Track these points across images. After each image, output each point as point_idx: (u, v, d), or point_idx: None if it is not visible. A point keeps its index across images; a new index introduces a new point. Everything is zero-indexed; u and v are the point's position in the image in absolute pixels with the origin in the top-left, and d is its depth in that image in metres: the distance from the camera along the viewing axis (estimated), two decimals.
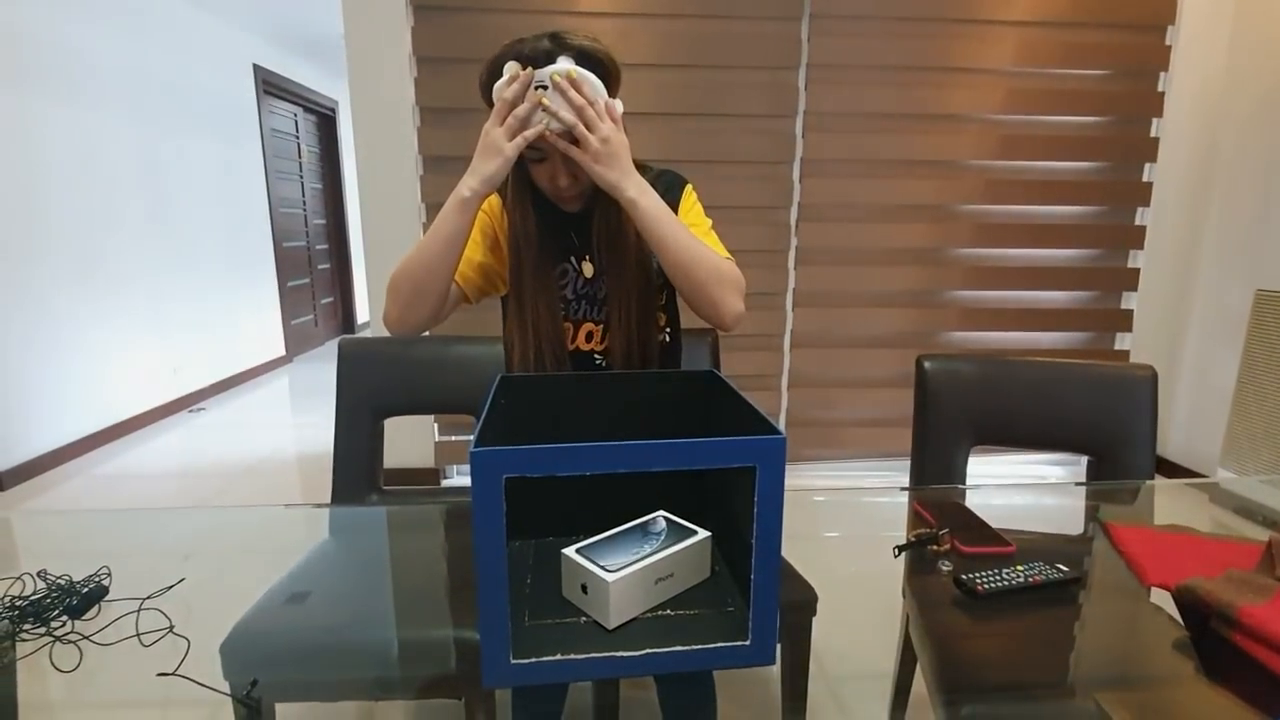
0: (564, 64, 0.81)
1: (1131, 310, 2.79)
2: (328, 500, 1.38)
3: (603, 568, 0.63)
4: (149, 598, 0.68)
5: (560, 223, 0.96)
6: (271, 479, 2.83)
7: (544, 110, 0.79)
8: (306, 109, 5.38)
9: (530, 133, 0.81)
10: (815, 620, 0.87)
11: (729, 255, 0.95)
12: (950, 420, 1.22)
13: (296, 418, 3.89)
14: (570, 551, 0.66)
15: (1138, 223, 2.74)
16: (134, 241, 3.36)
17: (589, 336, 0.99)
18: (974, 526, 0.84)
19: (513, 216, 0.94)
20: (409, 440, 2.61)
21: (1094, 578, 0.78)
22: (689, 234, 0.87)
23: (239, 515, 1.11)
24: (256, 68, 4.49)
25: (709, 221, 1.02)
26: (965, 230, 2.67)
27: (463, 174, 1.00)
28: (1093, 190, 2.68)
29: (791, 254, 2.62)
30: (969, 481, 1.22)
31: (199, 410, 3.75)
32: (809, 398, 2.75)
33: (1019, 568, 0.74)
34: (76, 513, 1.26)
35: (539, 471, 0.51)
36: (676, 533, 0.71)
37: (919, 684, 0.99)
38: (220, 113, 4.11)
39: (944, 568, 0.77)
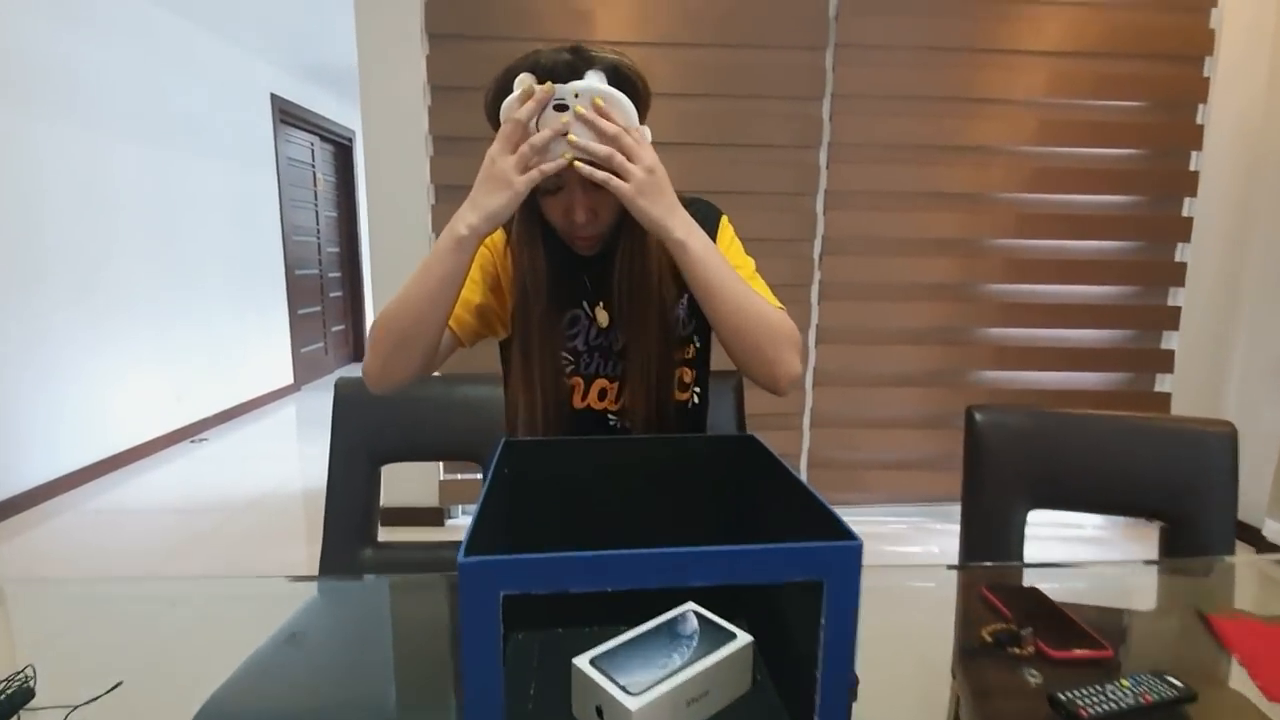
0: (593, 81, 0.68)
1: (1173, 351, 2.65)
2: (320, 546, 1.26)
3: (623, 688, 0.51)
4: (79, 706, 0.57)
5: (573, 262, 0.84)
6: (273, 515, 2.72)
7: (567, 140, 0.67)
8: (323, 138, 5.41)
9: (549, 166, 0.68)
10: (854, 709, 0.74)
11: (781, 305, 0.82)
12: (1005, 480, 1.10)
13: (302, 448, 3.79)
14: (582, 663, 0.54)
15: (1178, 259, 2.61)
16: (140, 266, 3.32)
17: (602, 394, 0.87)
18: (1059, 622, 0.71)
19: (519, 255, 0.81)
20: (411, 479, 2.50)
21: (1208, 693, 0.65)
22: (743, 283, 0.75)
23: (203, 588, 1.00)
24: (274, 97, 4.51)
25: (752, 262, 0.90)
26: (996, 265, 2.56)
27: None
28: (1130, 225, 2.57)
29: (815, 288, 2.52)
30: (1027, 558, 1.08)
31: (201, 440, 3.66)
32: (832, 438, 2.62)
33: (1124, 683, 0.61)
34: (17, 583, 1.15)
35: (547, 588, 0.40)
36: (711, 635, 0.59)
37: None
38: (236, 140, 4.11)
39: (1031, 679, 0.64)
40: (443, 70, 2.30)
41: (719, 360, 1.40)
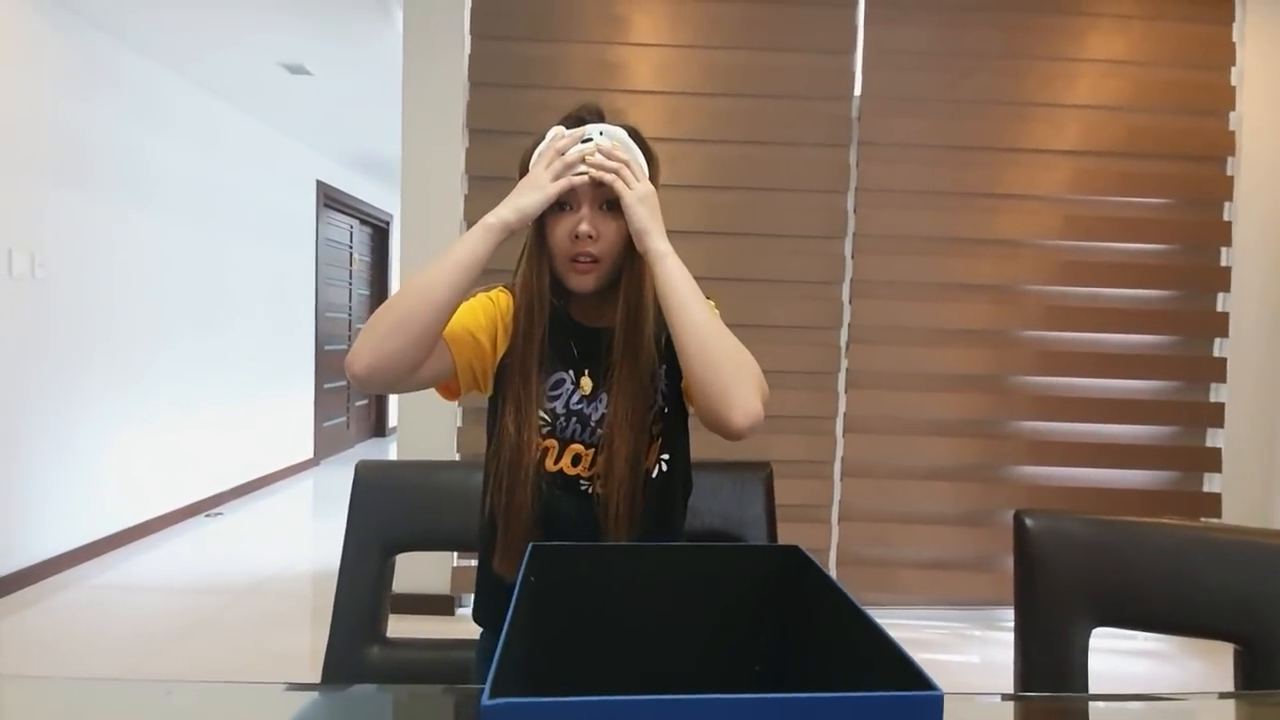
0: (613, 128, 0.83)
1: (1219, 449, 2.54)
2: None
3: None
4: None
5: (566, 328, 0.87)
6: (280, 598, 2.63)
7: (586, 164, 0.79)
8: (362, 221, 5.65)
9: (576, 178, 0.79)
10: None
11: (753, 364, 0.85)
12: (1064, 595, 1.01)
13: (316, 526, 3.73)
14: None
15: (1217, 354, 2.55)
16: (178, 340, 3.40)
17: (575, 460, 0.86)
18: None
19: (518, 315, 0.86)
20: (423, 565, 2.42)
21: None
22: (712, 313, 0.80)
23: (198, 693, 0.94)
24: (319, 183, 4.75)
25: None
26: (1028, 357, 2.51)
27: (499, 285, 0.94)
28: (1164, 319, 2.53)
29: (842, 376, 2.48)
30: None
31: (216, 515, 3.62)
32: (862, 533, 2.50)
33: None
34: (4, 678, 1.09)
35: None
36: None
37: None
38: (280, 222, 4.31)
39: None
40: (480, 161, 2.40)
41: (748, 450, 1.35)
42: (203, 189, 3.54)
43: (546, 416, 0.86)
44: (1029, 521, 1.05)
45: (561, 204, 0.82)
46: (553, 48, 2.40)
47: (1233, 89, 2.49)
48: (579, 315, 0.88)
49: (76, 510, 2.82)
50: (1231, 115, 2.49)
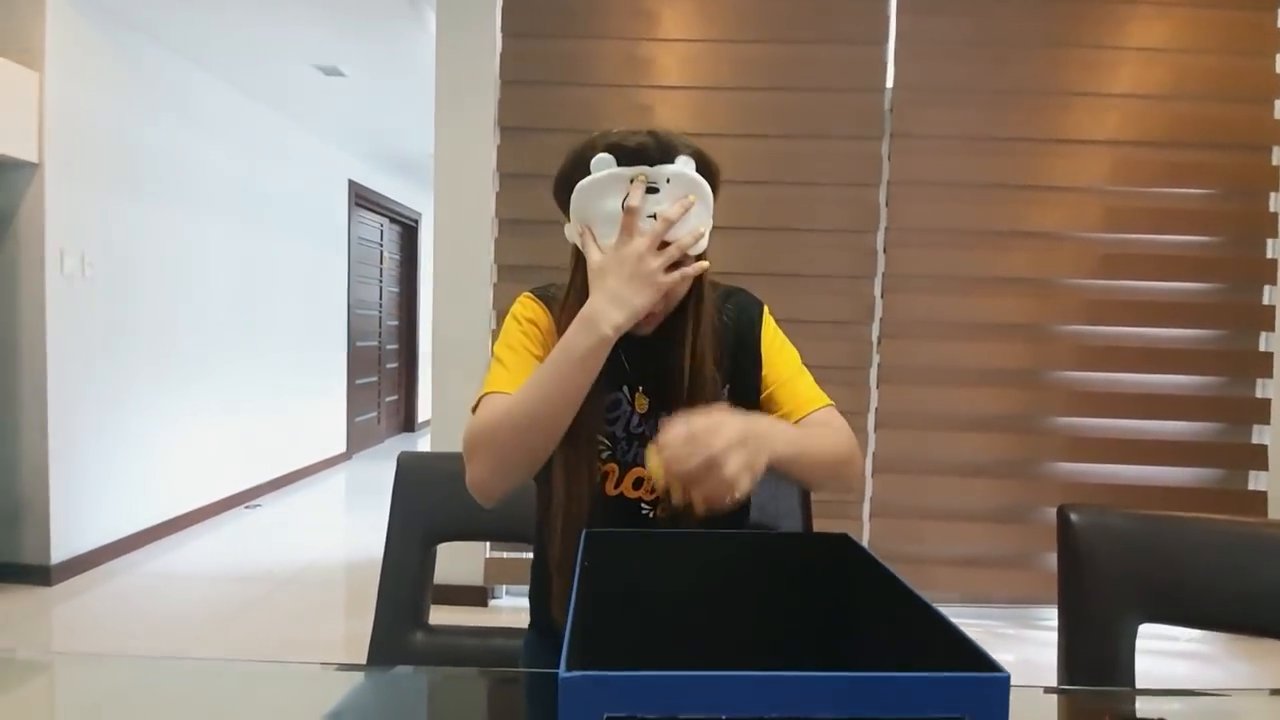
0: (682, 167, 0.71)
1: (1264, 445, 2.47)
2: (370, 621, 1.23)
3: None
4: None
5: (617, 346, 0.78)
6: (314, 589, 2.70)
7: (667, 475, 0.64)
8: (392, 219, 5.74)
9: (692, 269, 0.70)
10: None
11: (829, 401, 0.83)
12: (1110, 591, 1.00)
13: (349, 518, 3.82)
14: None
15: (1263, 348, 2.47)
16: (217, 337, 3.50)
17: (638, 483, 0.82)
18: None
19: (568, 318, 0.77)
20: (458, 556, 2.45)
21: None
22: (811, 438, 0.74)
23: (263, 672, 0.98)
24: (351, 182, 4.84)
25: (797, 354, 0.88)
26: (1065, 352, 2.46)
27: (537, 281, 0.89)
28: (1207, 312, 2.46)
29: (874, 371, 2.46)
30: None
31: (255, 506, 3.72)
32: (894, 529, 2.48)
33: None
34: (69, 656, 1.15)
35: (656, 711, 0.36)
36: None
37: None
38: (315, 222, 4.40)
39: None
40: (510, 159, 2.43)
41: None
42: (241, 190, 3.63)
43: (606, 441, 0.82)
44: (1074, 516, 1.04)
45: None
46: (582, 44, 2.41)
47: (1278, 76, 2.40)
48: (647, 325, 0.81)
49: (127, 501, 2.92)
50: (1278, 103, 2.41)
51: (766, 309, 0.89)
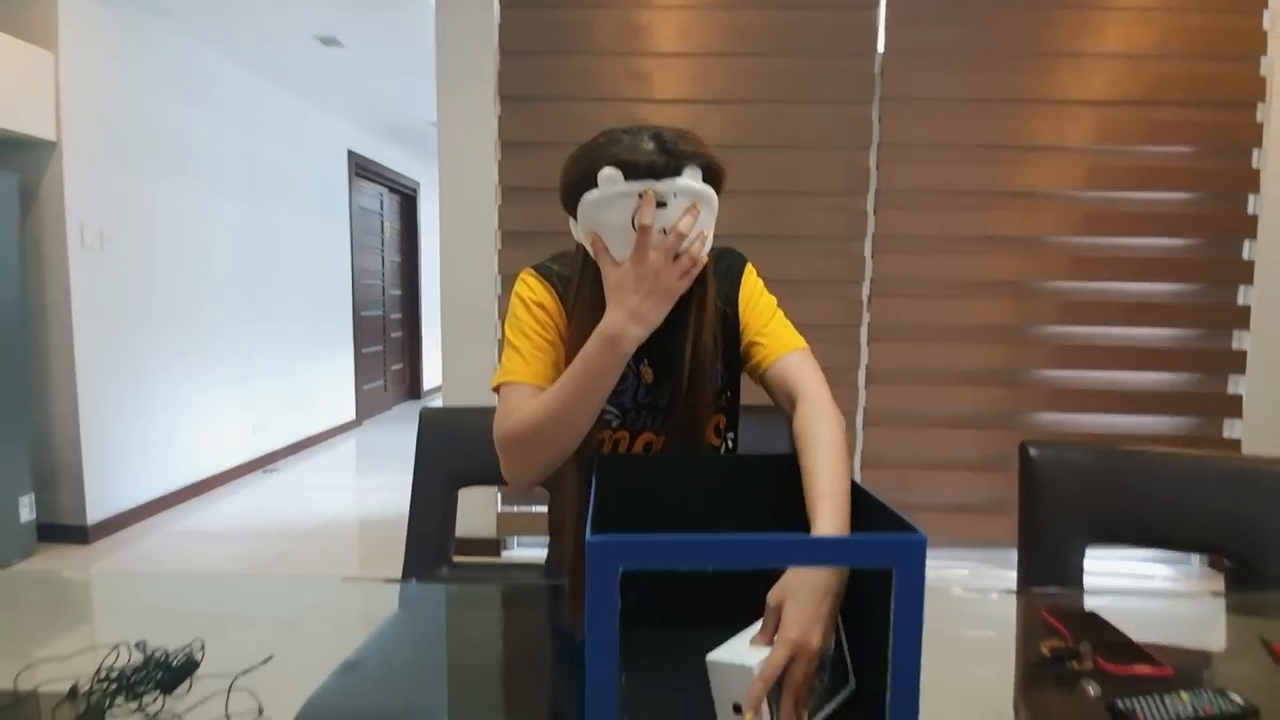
0: (689, 180, 0.71)
1: (1240, 395, 2.58)
2: (390, 570, 1.36)
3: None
4: (241, 675, 0.66)
5: None
6: (333, 544, 2.86)
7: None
8: (391, 189, 5.78)
9: (697, 271, 0.73)
10: None
11: (803, 343, 0.88)
12: (1063, 515, 1.12)
13: (361, 480, 3.97)
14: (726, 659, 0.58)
15: (1241, 302, 2.57)
16: (229, 308, 3.60)
17: (647, 447, 0.89)
18: (1118, 642, 0.74)
19: (582, 315, 0.81)
20: (471, 509, 2.59)
21: (1271, 711, 0.67)
22: (838, 493, 0.68)
23: (314, 587, 1.11)
24: (350, 153, 4.87)
25: (774, 301, 0.94)
26: (1050, 307, 2.56)
27: (541, 247, 0.94)
28: (1188, 267, 2.55)
29: (864, 329, 2.57)
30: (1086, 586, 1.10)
31: (273, 470, 3.87)
32: (884, 479, 2.62)
33: (1184, 696, 0.64)
34: (162, 578, 1.29)
35: (659, 564, 0.48)
36: None
37: None
38: (316, 192, 4.46)
39: (1090, 690, 0.67)
40: (512, 128, 2.49)
41: (761, 395, 1.47)
42: (245, 163, 3.69)
43: (616, 410, 0.87)
44: (1033, 450, 1.16)
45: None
46: (580, 13, 2.45)
47: (1264, 33, 2.45)
48: None
49: (155, 464, 3.07)
50: (1262, 60, 2.46)
51: (749, 264, 0.95)
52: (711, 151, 0.75)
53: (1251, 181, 2.51)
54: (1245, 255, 2.55)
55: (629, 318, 0.71)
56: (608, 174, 0.71)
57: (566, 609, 0.83)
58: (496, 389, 0.86)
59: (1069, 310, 2.56)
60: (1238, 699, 0.65)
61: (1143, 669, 0.70)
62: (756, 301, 0.92)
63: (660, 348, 0.83)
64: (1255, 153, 2.51)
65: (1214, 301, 2.57)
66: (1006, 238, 2.52)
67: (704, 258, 0.75)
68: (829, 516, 0.65)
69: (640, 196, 0.70)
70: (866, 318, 2.57)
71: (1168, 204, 2.54)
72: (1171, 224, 2.53)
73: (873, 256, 2.54)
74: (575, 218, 0.77)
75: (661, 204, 0.70)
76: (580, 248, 0.81)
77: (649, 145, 0.72)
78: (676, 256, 0.71)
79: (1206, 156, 2.52)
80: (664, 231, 0.70)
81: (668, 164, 0.71)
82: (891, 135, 2.48)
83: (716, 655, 0.59)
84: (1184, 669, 0.74)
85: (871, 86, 2.48)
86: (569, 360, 0.77)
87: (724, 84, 2.47)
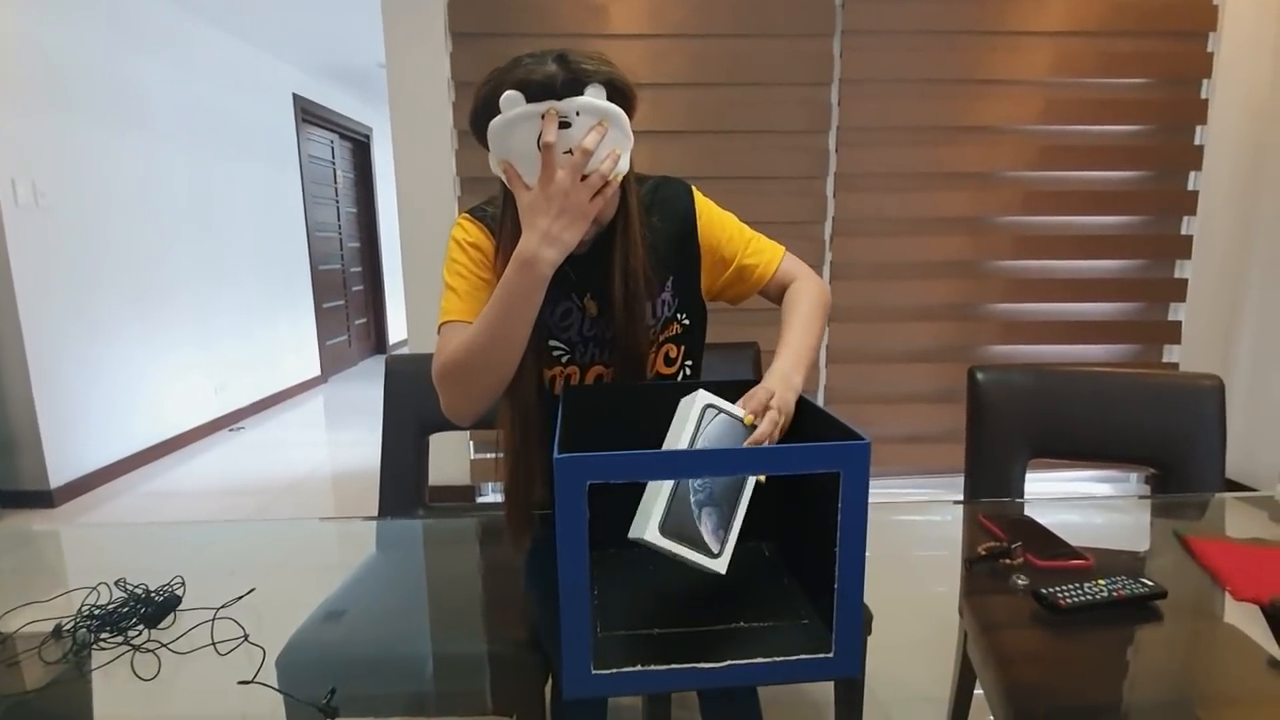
0: (592, 97, 0.71)
1: (1180, 322, 2.72)
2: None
3: (706, 551, 0.61)
4: (223, 607, 0.69)
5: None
6: (309, 497, 2.87)
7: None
8: (342, 136, 5.54)
9: (610, 190, 0.72)
10: (869, 641, 0.85)
11: (781, 246, 0.99)
12: (1006, 433, 1.19)
13: (331, 436, 3.95)
14: (654, 538, 0.60)
15: (1184, 232, 2.67)
16: (183, 265, 3.47)
17: (599, 380, 0.90)
18: (1046, 540, 0.82)
19: (506, 249, 0.80)
20: (444, 458, 2.61)
21: (1177, 592, 0.75)
22: (804, 329, 0.86)
23: (293, 528, 1.13)
24: (296, 97, 4.64)
25: (735, 218, 0.97)
26: (1005, 242, 2.63)
27: (467, 218, 0.92)
28: (1136, 200, 2.63)
29: (826, 268, 2.61)
30: (1026, 497, 1.19)
31: (239, 429, 3.82)
32: (847, 414, 2.66)
33: (1100, 582, 0.71)
34: (138, 526, 1.30)
35: (622, 477, 0.51)
36: (725, 431, 0.67)
37: (976, 707, 0.95)
38: (262, 140, 4.25)
39: (1019, 582, 0.74)
40: (465, 67, 2.40)
41: (734, 333, 1.49)
42: (186, 108, 3.49)
43: (564, 345, 0.88)
44: (979, 375, 1.22)
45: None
46: None
47: None
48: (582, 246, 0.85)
49: (116, 425, 3.01)
50: None
51: (696, 192, 0.94)
52: (618, 71, 0.74)
53: (1200, 113, 2.57)
54: (1190, 185, 2.64)
55: (541, 239, 0.71)
56: (509, 97, 0.70)
57: (507, 527, 0.86)
58: (439, 330, 0.86)
59: (1022, 245, 2.63)
60: (1148, 582, 0.72)
61: (1067, 562, 0.77)
62: (723, 226, 0.94)
63: (601, 280, 0.84)
64: (1204, 84, 2.56)
65: (1160, 233, 2.67)
66: (964, 174, 2.56)
67: (617, 176, 0.74)
68: (779, 359, 0.80)
69: (543, 118, 0.69)
70: (829, 257, 2.60)
71: (1119, 137, 2.59)
72: (1123, 157, 2.59)
73: (835, 195, 2.55)
74: (488, 148, 0.76)
75: (566, 124, 0.70)
76: (500, 180, 0.80)
77: (551, 67, 0.71)
78: (585, 176, 0.70)
79: (1158, 88, 2.57)
80: (569, 153, 0.70)
81: (568, 82, 0.70)
82: (852, 70, 2.46)
83: (650, 537, 0.61)
84: (1106, 563, 0.82)
85: (833, 19, 2.44)
86: None
87: (682, 17, 2.40)
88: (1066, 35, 2.49)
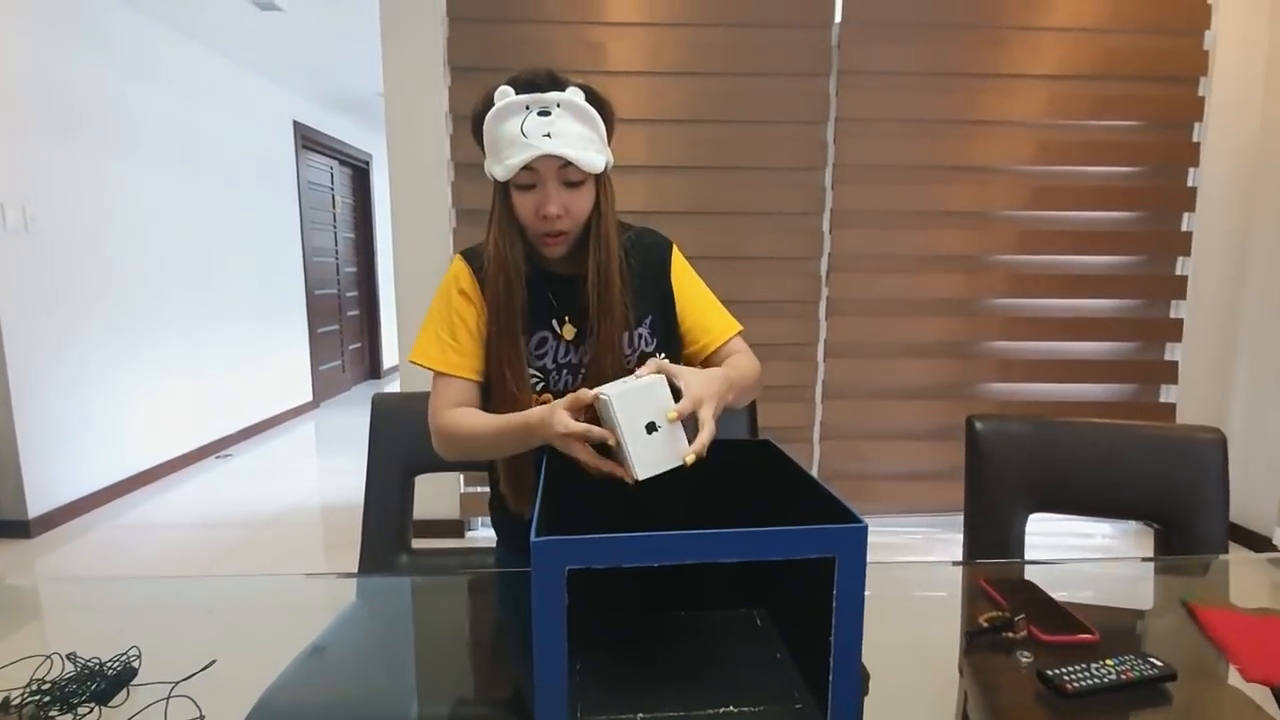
0: (571, 95, 0.83)
1: (1176, 362, 2.71)
2: (355, 556, 1.34)
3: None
4: (180, 681, 0.64)
5: (541, 280, 0.91)
6: (293, 532, 2.79)
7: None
8: (342, 161, 5.56)
9: (597, 432, 0.70)
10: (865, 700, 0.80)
11: (738, 326, 0.99)
12: (1006, 485, 1.16)
13: (321, 464, 3.89)
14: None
15: (1178, 272, 2.68)
16: (173, 289, 3.44)
17: None
18: (1051, 611, 0.78)
19: (497, 280, 0.88)
20: (433, 492, 2.57)
21: (1186, 670, 0.71)
22: (738, 373, 0.87)
23: (266, 584, 1.08)
24: (296, 124, 4.66)
25: (703, 285, 1.01)
26: (1000, 281, 2.63)
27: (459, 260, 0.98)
28: (1130, 240, 2.64)
29: (822, 304, 2.60)
30: (1027, 547, 1.15)
31: (226, 456, 3.76)
32: (842, 450, 2.68)
33: (1108, 662, 0.68)
34: (96, 581, 1.24)
35: (604, 562, 0.48)
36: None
37: None
38: (260, 166, 4.26)
39: (1023, 659, 0.71)
40: (463, 100, 2.41)
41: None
42: (183, 134, 3.49)
43: (538, 373, 0.92)
44: (978, 424, 1.19)
45: (528, 183, 0.83)
46: None
47: (1209, 6, 2.51)
48: (551, 265, 0.92)
49: (99, 454, 2.95)
50: (1207, 34, 2.53)
51: (675, 247, 1.01)
52: (600, 87, 0.86)
53: (1192, 155, 2.60)
54: (1184, 226, 2.65)
55: (541, 423, 0.75)
56: (500, 90, 0.83)
57: (506, 494, 0.97)
58: (432, 375, 0.93)
59: (1017, 283, 2.63)
60: (1157, 662, 0.69)
61: (1072, 637, 0.74)
62: (690, 287, 0.99)
63: (579, 305, 0.90)
64: (1197, 126, 2.59)
65: (1154, 273, 2.67)
66: (959, 213, 2.57)
67: (599, 185, 0.87)
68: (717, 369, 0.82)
69: (526, 108, 0.81)
70: (825, 293, 2.59)
71: (1113, 178, 2.61)
72: (1116, 198, 2.61)
73: (830, 232, 2.55)
74: (485, 151, 0.87)
75: (545, 112, 0.80)
76: (494, 186, 0.89)
77: (540, 71, 0.84)
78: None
79: (1150, 131, 2.59)
80: (548, 136, 0.79)
81: (552, 81, 0.83)
82: (848, 109, 2.48)
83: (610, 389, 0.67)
84: (1111, 630, 0.78)
85: (829, 59, 2.46)
86: (491, 310, 0.88)
87: (679, 56, 2.42)
88: (1059, 79, 2.52)
